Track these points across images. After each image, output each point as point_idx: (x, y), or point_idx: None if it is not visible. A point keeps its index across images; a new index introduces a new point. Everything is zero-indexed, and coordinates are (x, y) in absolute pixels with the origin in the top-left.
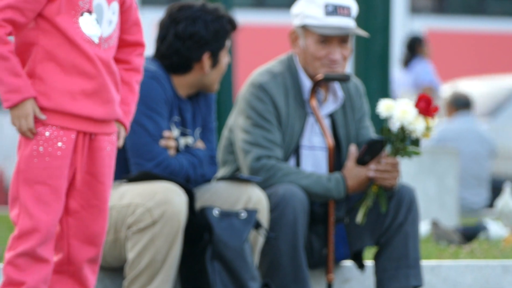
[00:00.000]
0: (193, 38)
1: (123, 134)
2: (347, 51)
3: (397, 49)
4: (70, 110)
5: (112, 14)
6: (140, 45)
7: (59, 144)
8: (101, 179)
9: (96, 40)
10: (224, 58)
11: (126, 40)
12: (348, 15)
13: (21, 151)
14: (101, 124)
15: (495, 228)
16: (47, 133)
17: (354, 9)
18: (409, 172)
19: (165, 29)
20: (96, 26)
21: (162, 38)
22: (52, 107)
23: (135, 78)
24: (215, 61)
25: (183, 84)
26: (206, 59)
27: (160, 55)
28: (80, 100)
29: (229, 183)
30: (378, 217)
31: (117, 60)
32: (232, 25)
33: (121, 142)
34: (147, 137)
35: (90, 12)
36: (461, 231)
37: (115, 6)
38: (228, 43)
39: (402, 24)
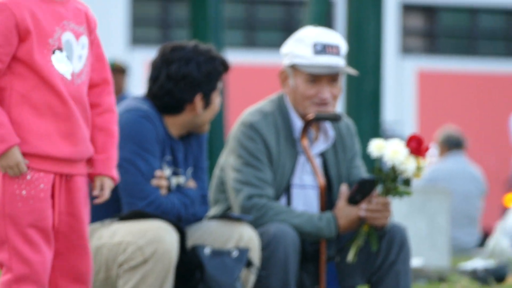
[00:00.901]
0: (185, 79)
1: (108, 184)
2: (337, 90)
3: (388, 89)
4: (49, 153)
5: (81, 49)
6: (107, 83)
7: (41, 186)
8: (81, 219)
9: (69, 77)
10: (216, 99)
11: (92, 78)
12: (337, 53)
13: (1, 190)
14: (76, 164)
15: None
16: (28, 177)
17: (343, 47)
18: (400, 211)
19: (158, 70)
20: (67, 62)
21: (154, 79)
22: (31, 151)
23: (111, 120)
24: (207, 102)
25: (175, 124)
26: (198, 100)
27: (152, 95)
28: (56, 142)
29: (220, 221)
30: (369, 256)
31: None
32: (224, 66)
33: (107, 193)
34: (139, 176)
35: (60, 49)
36: (490, 271)
37: (84, 40)
38: (220, 84)
39: (394, 64)
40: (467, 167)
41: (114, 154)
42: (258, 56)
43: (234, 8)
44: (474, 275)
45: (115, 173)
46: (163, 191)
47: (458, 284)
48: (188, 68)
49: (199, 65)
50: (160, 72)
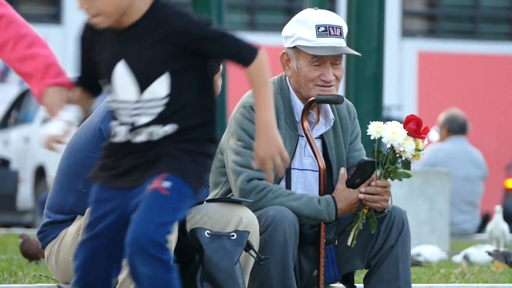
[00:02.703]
0: None
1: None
2: (340, 71)
3: (388, 72)
4: None
5: None
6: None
7: None
8: None
9: None
10: (218, 81)
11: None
12: (340, 35)
13: None
14: None
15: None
16: None
17: (345, 28)
18: (400, 194)
19: None
20: None
21: None
22: None
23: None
24: None
25: None
26: None
27: None
28: None
29: (220, 204)
30: (369, 239)
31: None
32: None
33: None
34: None
35: None
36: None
37: None
38: (221, 66)
39: (394, 47)
40: (468, 150)
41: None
42: (259, 39)
43: None
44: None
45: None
46: None
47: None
48: None
49: None
50: None
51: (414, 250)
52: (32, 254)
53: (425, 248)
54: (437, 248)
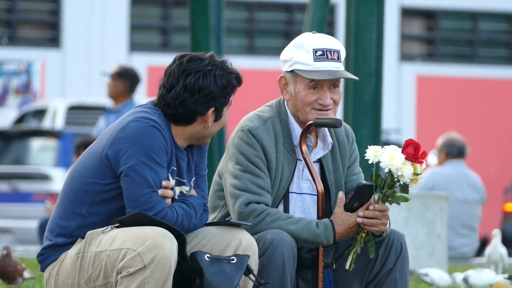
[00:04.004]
0: (202, 91)
1: None
2: (337, 95)
3: (387, 95)
4: None
5: None
6: None
7: None
8: None
9: None
10: (226, 113)
11: None
12: (338, 59)
13: None
14: None
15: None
16: None
17: (343, 53)
18: (398, 218)
19: (174, 79)
20: None
21: (169, 88)
22: None
23: None
24: (218, 116)
25: (182, 134)
26: (210, 113)
27: (165, 104)
28: None
29: (219, 227)
30: (367, 263)
31: None
32: (238, 81)
33: None
34: (146, 186)
35: None
36: None
37: None
38: (231, 99)
39: (393, 70)
40: (467, 174)
41: None
42: (258, 62)
43: (234, 14)
44: None
45: None
46: (168, 202)
47: None
48: (206, 81)
49: (216, 79)
50: (176, 82)
51: (422, 270)
52: (8, 270)
53: (434, 271)
54: (446, 274)
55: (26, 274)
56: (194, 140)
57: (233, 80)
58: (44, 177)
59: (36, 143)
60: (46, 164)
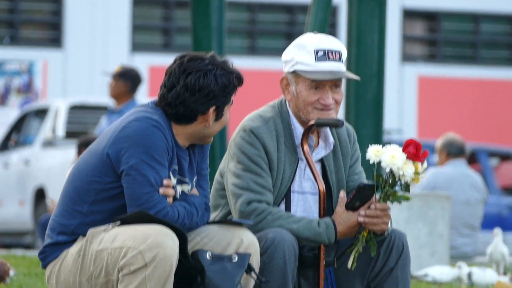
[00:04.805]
0: (202, 91)
1: None
2: (339, 95)
3: (388, 96)
4: None
5: None
6: None
7: None
8: None
9: None
10: (227, 112)
11: None
12: (339, 59)
13: None
14: None
15: (484, 275)
16: None
17: (344, 53)
18: (400, 217)
19: (175, 79)
20: None
21: (170, 87)
22: None
23: None
24: (219, 115)
25: (183, 133)
26: (211, 112)
27: (166, 103)
28: None
29: (220, 226)
30: (369, 262)
31: None
32: (239, 80)
33: None
34: (147, 186)
35: None
36: None
37: None
38: (233, 98)
39: (395, 71)
40: (468, 174)
41: None
42: (259, 63)
43: (236, 15)
44: None
45: None
46: (169, 201)
47: None
48: (206, 80)
49: (216, 78)
50: (177, 81)
51: (420, 272)
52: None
53: (433, 270)
54: (447, 267)
55: (11, 272)
56: (196, 140)
57: (234, 79)
58: None
59: None
60: None
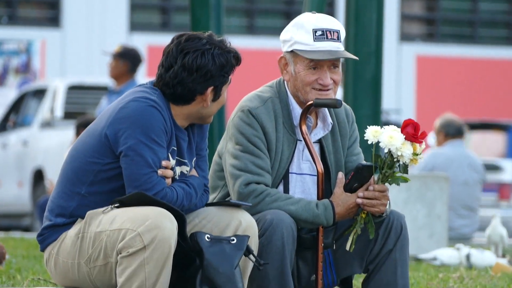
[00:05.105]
0: (200, 70)
1: None
2: (337, 75)
3: (386, 76)
4: None
5: None
6: None
7: None
8: None
9: None
10: (225, 92)
11: None
12: (337, 39)
13: None
14: None
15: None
16: None
17: (343, 33)
18: (398, 199)
19: (172, 59)
20: None
21: (167, 67)
22: None
23: None
24: (217, 95)
25: (182, 114)
26: (209, 92)
27: (164, 83)
28: None
29: (219, 208)
30: (367, 244)
31: None
32: (237, 60)
33: None
34: (145, 167)
35: None
36: None
37: None
38: (231, 78)
39: (393, 51)
40: (467, 155)
41: None
42: (258, 42)
43: None
44: None
45: None
46: (168, 182)
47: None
48: (204, 59)
49: (214, 58)
50: (174, 61)
51: (429, 254)
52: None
53: (441, 252)
54: (454, 251)
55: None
56: (195, 120)
57: (231, 59)
58: (494, 168)
59: (484, 135)
60: (495, 155)
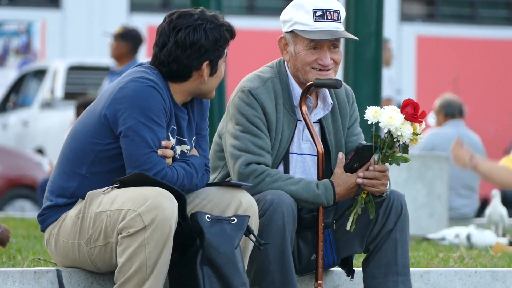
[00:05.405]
0: (194, 46)
1: None
2: (338, 55)
3: None
4: None
5: None
6: None
7: None
8: None
9: None
10: (222, 66)
11: None
12: (337, 19)
13: None
14: None
15: (482, 236)
16: None
17: (343, 13)
18: (398, 179)
19: (165, 37)
20: None
21: (161, 46)
22: None
23: None
24: (213, 70)
25: (180, 91)
26: (205, 67)
27: (159, 62)
28: None
29: (219, 188)
30: (367, 223)
31: None
32: (231, 33)
33: None
34: (145, 147)
35: None
36: None
37: None
38: (226, 51)
39: (393, 31)
40: (467, 134)
41: None
42: (258, 23)
43: None
44: None
45: None
46: (169, 161)
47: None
48: (196, 35)
49: (207, 32)
50: (168, 39)
51: (437, 234)
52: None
53: (449, 232)
54: (462, 231)
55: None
56: (194, 95)
57: (224, 32)
58: None
59: None
60: None
